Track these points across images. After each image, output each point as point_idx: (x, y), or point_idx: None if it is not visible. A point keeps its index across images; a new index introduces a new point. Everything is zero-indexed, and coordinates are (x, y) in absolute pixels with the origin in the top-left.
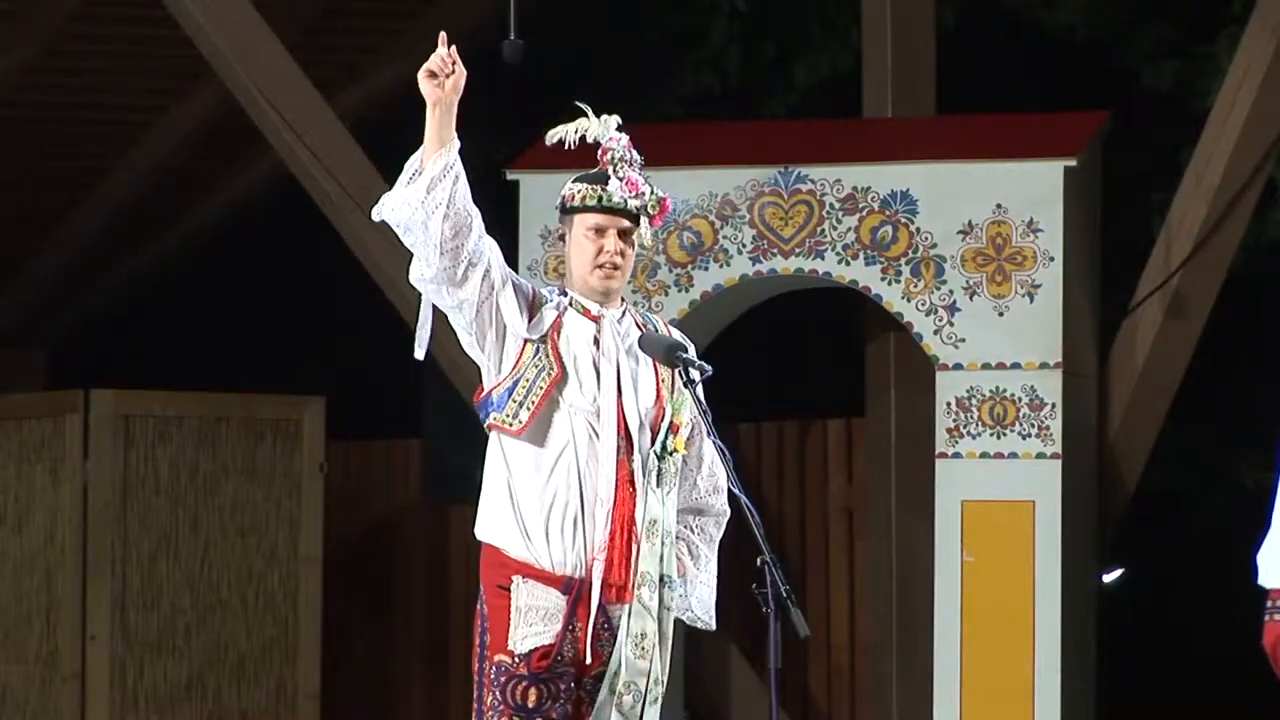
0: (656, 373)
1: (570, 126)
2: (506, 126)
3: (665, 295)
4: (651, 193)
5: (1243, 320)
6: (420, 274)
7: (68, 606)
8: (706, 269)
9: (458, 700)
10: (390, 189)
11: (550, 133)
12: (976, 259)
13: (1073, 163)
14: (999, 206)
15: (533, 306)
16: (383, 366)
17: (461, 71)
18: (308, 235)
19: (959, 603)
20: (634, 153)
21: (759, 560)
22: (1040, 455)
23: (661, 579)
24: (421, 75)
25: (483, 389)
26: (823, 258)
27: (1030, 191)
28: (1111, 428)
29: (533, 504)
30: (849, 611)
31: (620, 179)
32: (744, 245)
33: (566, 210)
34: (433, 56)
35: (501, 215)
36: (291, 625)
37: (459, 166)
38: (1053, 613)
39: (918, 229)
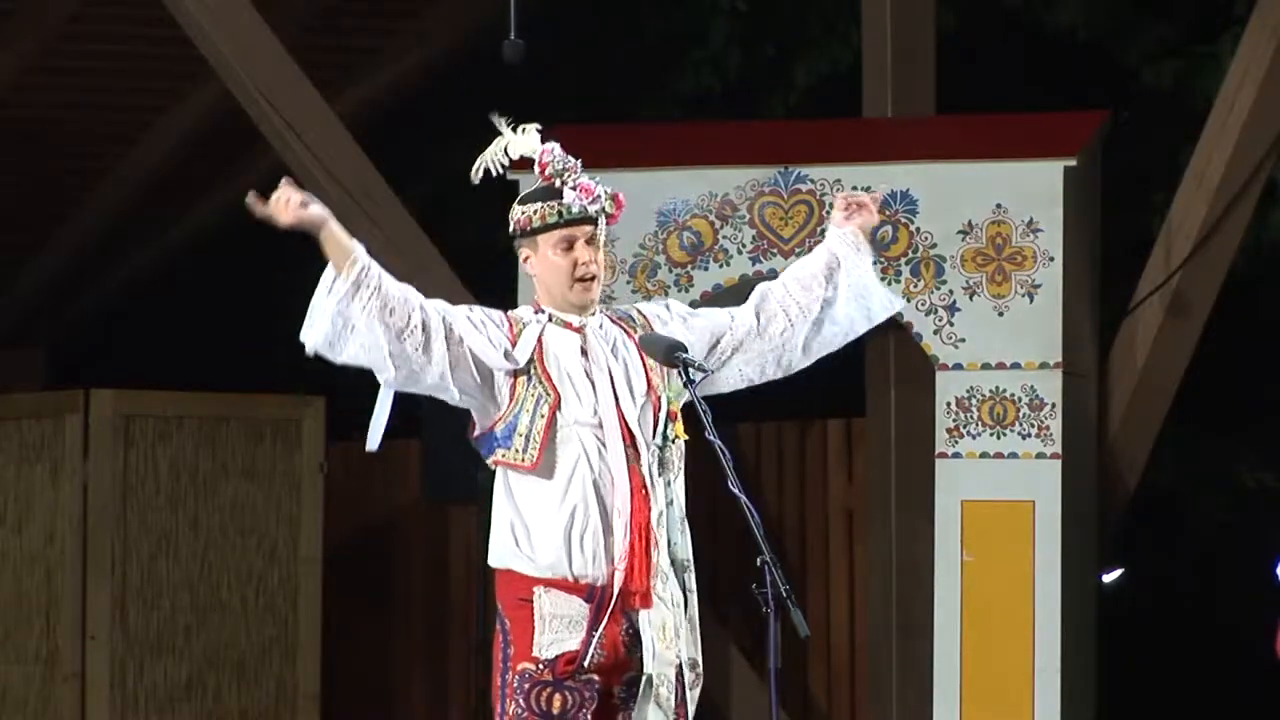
0: (644, 364)
1: (489, 152)
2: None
3: (665, 295)
4: (606, 193)
5: (1243, 320)
6: (386, 381)
7: (68, 606)
8: (706, 269)
9: (458, 700)
10: (389, 189)
11: (474, 171)
12: (976, 259)
13: (1073, 163)
14: (999, 206)
15: (513, 335)
16: None
17: (301, 197)
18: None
19: (959, 603)
20: (570, 157)
21: (759, 560)
22: (1040, 455)
23: (680, 564)
24: (287, 224)
25: (475, 425)
26: None
27: (1030, 191)
28: (1111, 428)
29: (550, 525)
30: (849, 611)
31: (573, 188)
32: (744, 245)
33: (526, 234)
34: (272, 204)
35: (501, 216)
36: (291, 625)
37: (371, 270)
38: (1053, 613)
39: (918, 229)
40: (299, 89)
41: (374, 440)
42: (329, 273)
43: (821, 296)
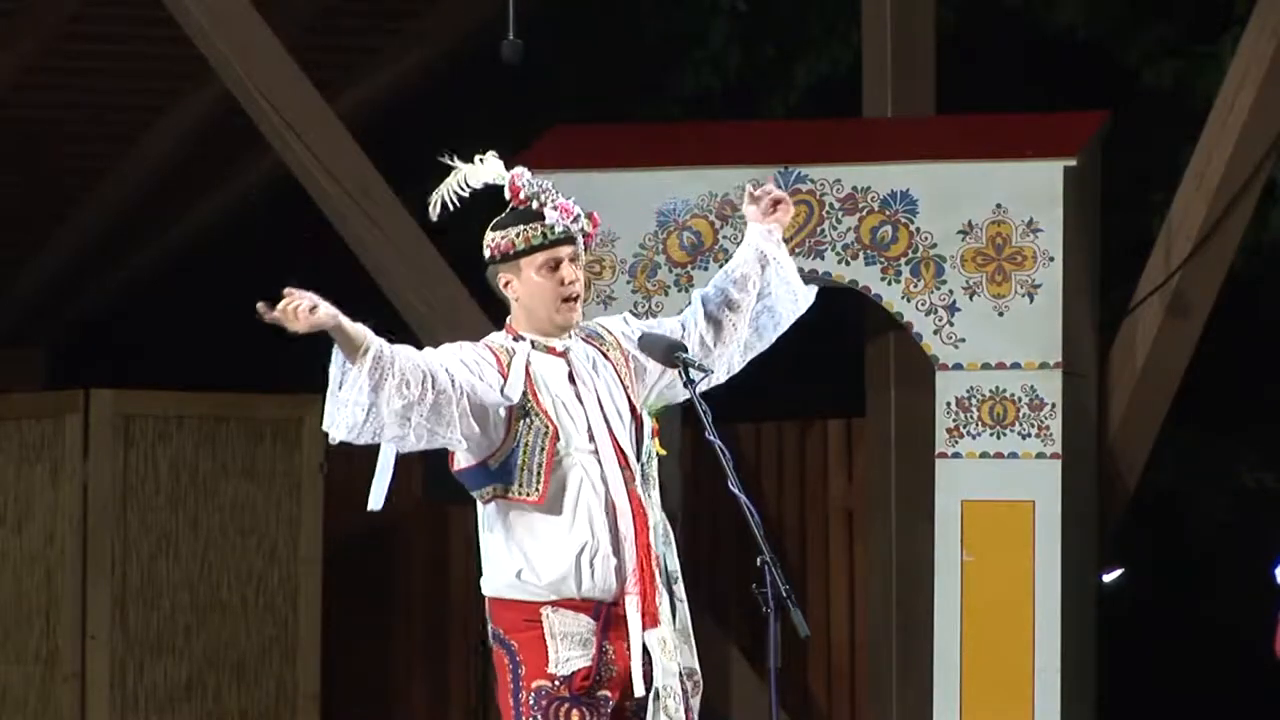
0: (622, 382)
1: (446, 185)
2: (506, 126)
3: (665, 295)
4: (582, 212)
5: (1243, 320)
6: (402, 448)
7: (68, 606)
8: (706, 269)
9: (458, 700)
10: (389, 189)
11: (432, 207)
12: (976, 259)
13: (1073, 163)
14: (999, 206)
15: (502, 368)
16: None
17: (309, 302)
18: (307, 235)
19: (959, 603)
20: (541, 180)
21: (759, 560)
22: (1040, 455)
23: (670, 576)
24: (298, 330)
25: (455, 459)
26: (823, 258)
27: (1030, 191)
28: (1111, 428)
29: (558, 553)
30: (849, 611)
31: (554, 208)
32: None
33: (507, 258)
34: (281, 311)
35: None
36: (291, 625)
37: (384, 354)
38: (1053, 613)
39: (918, 229)
40: (299, 89)
41: (377, 500)
42: (340, 363)
43: (757, 294)
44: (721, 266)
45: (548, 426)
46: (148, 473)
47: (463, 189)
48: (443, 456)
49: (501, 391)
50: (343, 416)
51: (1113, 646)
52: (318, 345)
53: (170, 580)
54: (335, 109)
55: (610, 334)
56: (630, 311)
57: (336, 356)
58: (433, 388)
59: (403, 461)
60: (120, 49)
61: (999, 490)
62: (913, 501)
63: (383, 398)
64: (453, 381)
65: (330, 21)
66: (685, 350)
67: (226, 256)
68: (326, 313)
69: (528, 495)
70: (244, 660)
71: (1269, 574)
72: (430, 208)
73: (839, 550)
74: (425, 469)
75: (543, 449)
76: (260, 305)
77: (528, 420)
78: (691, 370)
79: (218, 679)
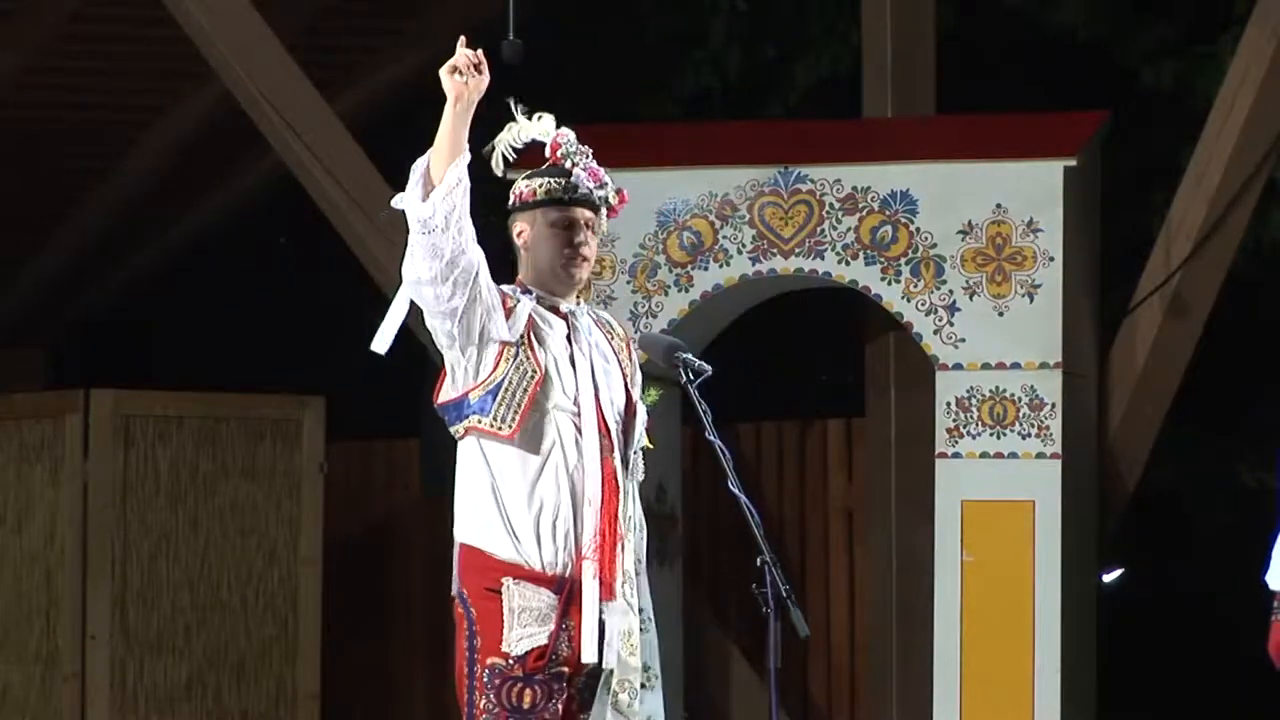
0: (621, 369)
1: (503, 138)
2: (505, 127)
3: (665, 295)
4: (612, 185)
5: (1243, 320)
6: (417, 276)
7: (68, 606)
8: (706, 269)
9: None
10: (389, 189)
11: (495, 164)
12: (976, 259)
13: (1073, 163)
14: (999, 206)
15: (506, 307)
16: (382, 366)
17: (486, 75)
18: (308, 235)
19: (959, 603)
20: (584, 146)
21: (759, 560)
22: (1040, 455)
23: (637, 568)
24: (445, 70)
25: (440, 389)
26: (823, 258)
27: (1030, 191)
28: (1111, 428)
29: (521, 507)
30: (849, 611)
31: (584, 170)
32: (744, 245)
33: (526, 206)
34: (459, 54)
35: (500, 216)
36: (291, 625)
37: (467, 179)
38: (1053, 613)
39: (917, 229)
40: (299, 89)
41: (383, 343)
42: (425, 157)
43: None
44: (721, 267)
45: (535, 370)
46: (147, 473)
47: (516, 143)
48: (442, 452)
49: (504, 319)
50: (412, 196)
51: (1113, 646)
52: (317, 346)
53: (170, 580)
54: (335, 109)
55: (618, 328)
56: (630, 311)
57: (433, 163)
58: (458, 262)
59: (403, 462)
60: (120, 49)
61: (999, 490)
62: (913, 501)
63: (449, 225)
64: (478, 274)
65: (330, 21)
66: (685, 350)
67: (226, 256)
68: (474, 101)
69: (499, 429)
70: (244, 660)
71: (1260, 579)
72: (493, 163)
73: (839, 550)
74: (424, 464)
75: (525, 390)
76: (463, 39)
77: (517, 361)
78: (692, 370)
79: (218, 679)
